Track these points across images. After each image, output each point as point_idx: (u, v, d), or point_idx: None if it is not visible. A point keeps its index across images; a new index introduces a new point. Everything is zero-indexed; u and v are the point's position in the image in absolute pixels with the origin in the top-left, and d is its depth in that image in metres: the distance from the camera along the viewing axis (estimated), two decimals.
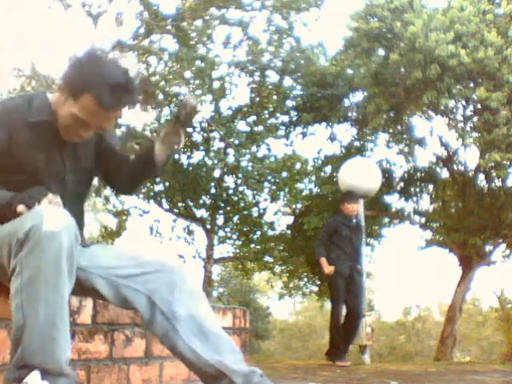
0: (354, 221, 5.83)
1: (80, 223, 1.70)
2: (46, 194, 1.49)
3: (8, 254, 1.41)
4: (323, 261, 5.58)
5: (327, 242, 5.72)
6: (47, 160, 1.66)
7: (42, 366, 1.33)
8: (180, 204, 11.80)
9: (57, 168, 1.68)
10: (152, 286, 1.56)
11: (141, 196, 11.84)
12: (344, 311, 5.71)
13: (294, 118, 10.96)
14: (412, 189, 11.13)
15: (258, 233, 12.35)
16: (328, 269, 5.53)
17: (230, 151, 10.48)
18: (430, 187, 11.35)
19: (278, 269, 14.06)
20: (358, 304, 5.73)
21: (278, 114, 11.05)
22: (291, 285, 15.24)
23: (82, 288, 1.60)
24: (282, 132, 11.16)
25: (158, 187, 11.62)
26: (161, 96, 10.96)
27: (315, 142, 17.77)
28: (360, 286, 5.92)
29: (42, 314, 1.33)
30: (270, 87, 11.06)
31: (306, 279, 14.16)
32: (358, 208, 5.86)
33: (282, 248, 12.49)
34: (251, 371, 1.49)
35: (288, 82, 10.90)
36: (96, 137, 1.76)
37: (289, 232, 12.01)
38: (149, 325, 1.58)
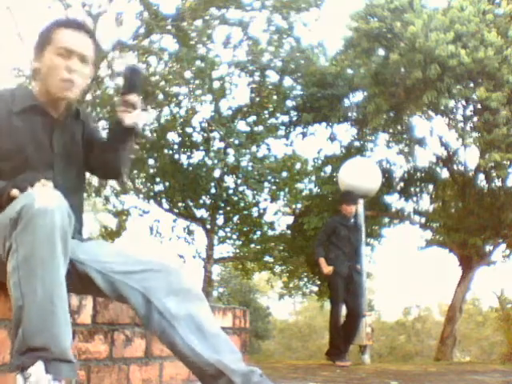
0: (352, 220, 5.84)
1: (77, 217, 1.71)
2: (38, 178, 1.53)
3: (4, 239, 1.41)
4: (322, 261, 5.61)
5: (326, 242, 5.74)
6: (36, 147, 1.71)
7: (43, 348, 1.32)
8: (180, 204, 11.81)
9: (45, 154, 1.73)
10: (148, 284, 1.56)
11: (141, 196, 11.85)
12: (344, 311, 5.72)
13: (294, 118, 10.96)
14: (412, 189, 11.14)
15: (258, 233, 12.35)
16: (327, 269, 5.55)
17: (230, 151, 10.48)
18: (430, 187, 11.35)
19: (278, 269, 14.06)
20: (358, 304, 5.74)
21: (278, 114, 11.05)
22: (291, 285, 15.24)
23: (81, 281, 1.60)
24: (282, 132, 11.16)
25: (158, 187, 11.64)
26: (161, 96, 10.95)
27: (315, 142, 17.80)
28: (360, 285, 5.94)
29: (40, 292, 1.33)
30: (270, 87, 11.05)
31: (306, 279, 14.16)
32: (356, 209, 5.87)
33: (282, 248, 12.49)
34: (250, 371, 1.49)
35: (288, 82, 10.91)
36: (81, 126, 1.86)
37: (289, 232, 12.01)
38: (146, 323, 1.57)
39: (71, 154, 1.80)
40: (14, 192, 1.51)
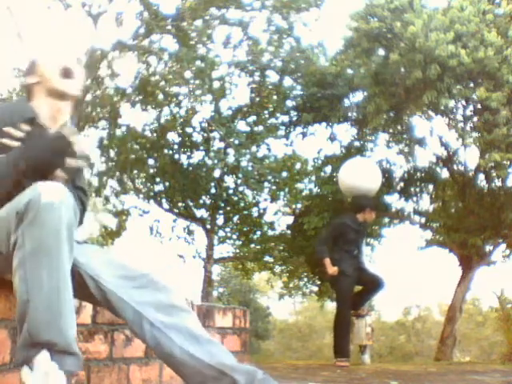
0: (361, 225, 5.78)
1: None
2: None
3: (7, 233, 1.41)
4: (327, 261, 5.48)
5: (330, 243, 5.68)
6: None
7: (49, 342, 1.32)
8: (180, 204, 11.81)
9: None
10: (138, 299, 1.56)
11: (141, 196, 11.86)
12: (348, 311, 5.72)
13: (294, 118, 10.95)
14: (412, 189, 11.12)
15: (258, 233, 12.35)
16: (332, 269, 5.46)
17: (230, 151, 10.48)
18: (430, 187, 11.34)
19: (278, 269, 14.06)
20: (376, 275, 5.74)
21: (278, 114, 11.04)
22: (291, 285, 15.24)
23: (77, 283, 1.59)
24: (282, 132, 11.15)
25: (158, 187, 11.64)
26: (161, 96, 10.96)
27: (315, 142, 17.75)
28: (366, 267, 5.97)
29: (46, 286, 1.33)
30: (270, 87, 11.05)
31: (306, 279, 14.15)
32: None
33: (282, 248, 12.48)
34: (253, 369, 1.49)
35: (288, 82, 10.90)
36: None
37: (289, 232, 12.00)
38: (138, 335, 1.57)
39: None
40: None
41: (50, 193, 1.38)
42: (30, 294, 1.33)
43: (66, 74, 1.79)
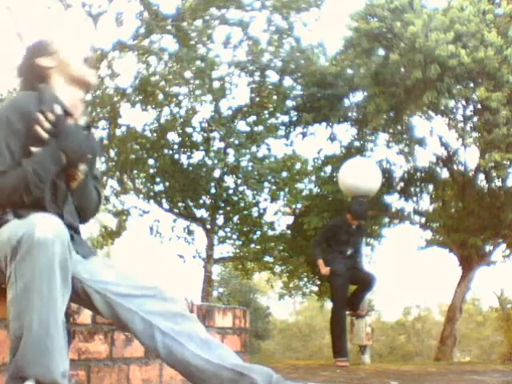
0: (354, 227, 5.79)
1: (77, 227, 1.73)
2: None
3: (5, 260, 1.41)
4: (320, 262, 5.61)
5: (323, 243, 5.76)
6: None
7: (34, 378, 1.32)
8: (180, 204, 11.81)
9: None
10: (147, 308, 1.54)
11: (141, 196, 11.86)
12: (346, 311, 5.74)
13: (294, 118, 10.95)
14: (412, 189, 11.12)
15: (258, 233, 12.34)
16: (324, 269, 5.56)
17: (230, 151, 10.48)
18: (430, 187, 11.34)
19: (278, 269, 14.04)
20: (368, 273, 5.77)
21: (278, 114, 11.03)
22: (291, 285, 15.22)
23: (79, 299, 1.59)
24: (282, 132, 11.15)
25: (158, 187, 11.63)
26: (161, 96, 10.96)
27: (315, 142, 17.76)
28: (361, 266, 5.99)
29: (36, 325, 1.33)
30: (270, 87, 11.05)
31: (305, 279, 14.14)
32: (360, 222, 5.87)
33: (282, 248, 12.48)
34: (268, 369, 1.49)
35: (288, 82, 10.90)
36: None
37: (289, 232, 12.00)
38: (149, 345, 1.55)
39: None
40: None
41: (45, 228, 1.36)
42: (22, 331, 1.33)
43: (87, 62, 1.75)
